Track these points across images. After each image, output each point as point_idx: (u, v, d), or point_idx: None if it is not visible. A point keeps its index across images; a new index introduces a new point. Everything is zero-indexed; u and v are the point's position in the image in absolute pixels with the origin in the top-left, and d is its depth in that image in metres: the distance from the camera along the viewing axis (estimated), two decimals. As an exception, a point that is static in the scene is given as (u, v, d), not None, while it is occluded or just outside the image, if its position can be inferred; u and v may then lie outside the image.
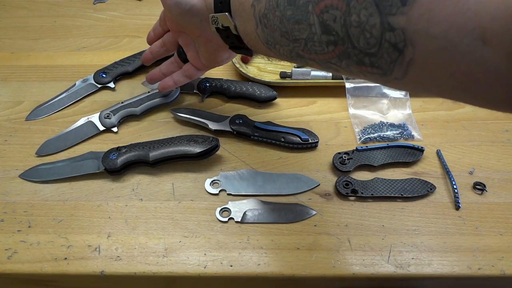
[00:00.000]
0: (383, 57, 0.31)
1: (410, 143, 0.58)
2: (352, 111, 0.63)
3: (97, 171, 0.55)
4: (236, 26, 0.46)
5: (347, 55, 0.34)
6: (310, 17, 0.35)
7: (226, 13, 0.45)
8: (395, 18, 0.29)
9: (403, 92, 0.65)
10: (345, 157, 0.56)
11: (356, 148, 0.58)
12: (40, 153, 0.59)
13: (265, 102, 0.64)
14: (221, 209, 0.53)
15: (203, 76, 0.67)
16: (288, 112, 0.64)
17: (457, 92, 0.30)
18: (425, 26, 0.28)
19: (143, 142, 0.57)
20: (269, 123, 0.60)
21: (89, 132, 0.61)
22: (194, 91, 0.66)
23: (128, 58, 0.70)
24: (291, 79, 0.66)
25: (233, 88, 0.64)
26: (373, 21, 0.30)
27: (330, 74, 0.66)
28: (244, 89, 0.64)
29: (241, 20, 0.45)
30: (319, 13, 0.34)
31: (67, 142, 0.60)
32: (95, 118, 0.61)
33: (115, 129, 0.61)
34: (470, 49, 0.26)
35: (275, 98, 0.64)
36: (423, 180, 0.55)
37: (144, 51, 0.65)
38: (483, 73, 0.27)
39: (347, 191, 0.54)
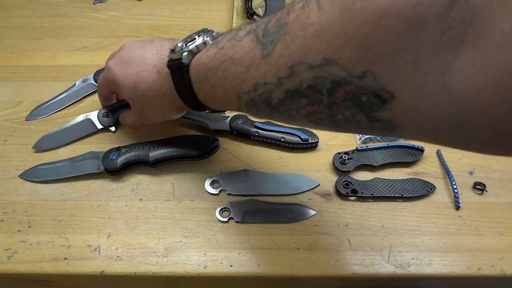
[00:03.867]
0: (375, 132, 0.34)
1: (410, 143, 0.58)
2: (352, 111, 0.63)
3: (97, 171, 0.55)
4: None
5: (340, 130, 0.37)
6: (297, 117, 0.37)
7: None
8: (379, 114, 0.31)
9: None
10: (345, 157, 0.56)
11: (356, 148, 0.58)
12: (37, 148, 0.59)
13: None
14: (221, 209, 0.53)
15: None
16: (288, 112, 0.64)
17: (446, 145, 0.33)
18: (408, 117, 0.30)
19: (143, 142, 0.57)
20: (269, 123, 0.60)
21: (87, 130, 0.61)
22: None
23: (128, 58, 0.70)
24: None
25: None
26: (359, 117, 0.32)
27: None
28: None
29: (218, 108, 0.49)
30: (305, 115, 0.35)
31: (65, 139, 0.60)
32: (93, 116, 0.61)
33: (112, 128, 0.61)
34: (452, 129, 0.29)
35: None
36: (423, 180, 0.55)
37: None
38: (467, 143, 0.30)
39: (347, 191, 0.54)
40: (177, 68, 0.45)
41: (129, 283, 0.50)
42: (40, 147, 0.59)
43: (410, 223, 0.52)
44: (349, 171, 0.56)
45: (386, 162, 0.56)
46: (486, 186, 0.55)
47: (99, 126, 0.61)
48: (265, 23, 0.36)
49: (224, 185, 0.55)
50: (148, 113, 0.53)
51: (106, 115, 0.61)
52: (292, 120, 0.38)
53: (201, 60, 0.43)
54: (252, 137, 0.59)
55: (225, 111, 0.52)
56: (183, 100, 0.47)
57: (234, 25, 0.73)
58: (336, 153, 0.57)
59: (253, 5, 0.77)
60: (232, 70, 0.39)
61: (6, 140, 0.61)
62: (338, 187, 0.54)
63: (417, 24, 0.26)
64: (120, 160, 0.55)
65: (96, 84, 0.67)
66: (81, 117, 0.62)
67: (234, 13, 0.76)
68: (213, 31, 0.46)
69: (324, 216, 0.53)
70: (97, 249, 0.50)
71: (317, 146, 0.59)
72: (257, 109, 0.39)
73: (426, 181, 0.55)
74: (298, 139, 0.58)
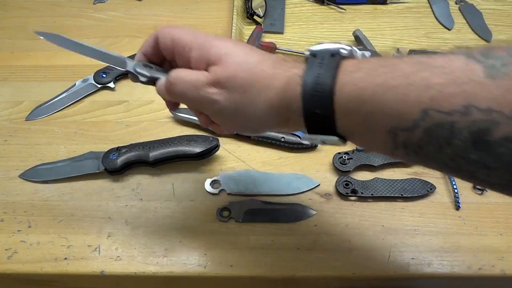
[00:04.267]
0: None
1: (410, 143, 0.58)
2: (352, 111, 0.63)
3: (97, 171, 0.55)
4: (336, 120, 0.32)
5: None
6: None
7: (337, 138, 0.33)
8: None
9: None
10: (345, 157, 0.56)
11: (356, 148, 0.58)
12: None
13: None
14: (221, 209, 0.53)
15: None
16: (288, 112, 0.64)
17: None
18: None
19: (143, 142, 0.57)
20: (269, 123, 0.60)
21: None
22: None
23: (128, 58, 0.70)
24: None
25: None
26: None
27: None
28: None
29: (356, 131, 0.32)
30: None
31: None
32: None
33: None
34: None
35: None
36: (423, 180, 0.55)
37: None
38: None
39: (347, 191, 0.54)
40: (326, 54, 0.33)
41: (129, 283, 0.50)
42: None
43: (410, 223, 0.52)
44: (349, 171, 0.56)
45: (386, 162, 0.56)
46: (486, 186, 0.55)
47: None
48: (477, 49, 0.29)
49: (224, 185, 0.55)
50: (237, 95, 0.36)
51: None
52: (496, 171, 0.28)
53: (367, 58, 0.33)
54: (252, 137, 0.59)
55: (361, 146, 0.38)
56: (305, 95, 0.32)
57: (234, 25, 0.73)
58: (336, 153, 0.57)
59: (253, 5, 0.77)
60: (425, 76, 0.28)
61: (6, 140, 0.61)
62: (338, 187, 0.54)
63: None
64: (120, 160, 0.55)
65: (96, 84, 0.67)
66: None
67: (234, 13, 0.76)
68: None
69: (324, 216, 0.53)
70: (97, 249, 0.50)
71: (317, 146, 0.59)
72: (447, 139, 0.28)
73: (426, 181, 0.55)
74: (298, 139, 0.58)
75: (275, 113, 0.35)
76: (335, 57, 0.32)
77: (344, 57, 0.33)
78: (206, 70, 0.36)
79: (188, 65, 0.38)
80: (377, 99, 0.30)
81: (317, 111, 0.32)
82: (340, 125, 0.32)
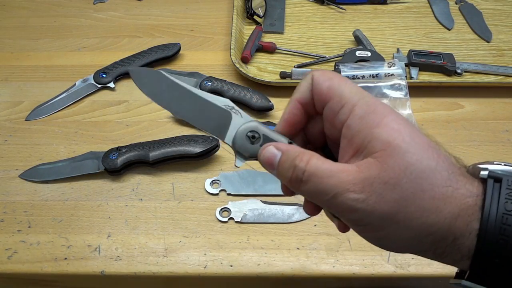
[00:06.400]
0: None
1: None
2: (352, 111, 0.63)
3: (97, 171, 0.55)
4: None
5: None
6: None
7: None
8: None
9: (403, 92, 0.65)
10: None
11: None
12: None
13: (260, 111, 0.63)
14: (221, 209, 0.53)
15: (208, 75, 0.67)
16: (288, 112, 0.64)
17: None
18: None
19: (143, 142, 0.57)
20: (269, 123, 0.60)
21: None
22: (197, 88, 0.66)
23: (128, 58, 0.70)
24: (291, 79, 0.66)
25: (232, 92, 0.64)
26: None
27: (330, 74, 0.66)
28: (242, 94, 0.63)
29: None
30: None
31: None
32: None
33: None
34: None
35: (270, 109, 0.62)
36: (423, 180, 0.54)
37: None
38: None
39: (347, 191, 0.53)
40: None
41: (129, 283, 0.50)
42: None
43: (410, 223, 0.52)
44: (349, 171, 0.56)
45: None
46: (486, 186, 0.55)
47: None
48: None
49: (224, 185, 0.55)
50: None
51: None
52: None
53: None
54: (252, 137, 0.59)
55: None
56: (486, 232, 0.25)
57: (234, 25, 0.73)
58: (336, 153, 0.57)
59: (253, 5, 0.77)
60: None
61: (6, 140, 0.61)
62: (338, 187, 0.54)
63: None
64: (120, 160, 0.55)
65: (96, 84, 0.67)
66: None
67: (234, 13, 0.76)
68: None
69: (324, 216, 0.52)
70: (97, 249, 0.50)
71: (317, 146, 0.59)
72: None
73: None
74: (298, 139, 0.58)
75: (432, 239, 0.27)
76: None
77: None
78: (356, 153, 0.28)
79: (334, 128, 0.29)
80: None
81: (501, 257, 0.24)
82: None
